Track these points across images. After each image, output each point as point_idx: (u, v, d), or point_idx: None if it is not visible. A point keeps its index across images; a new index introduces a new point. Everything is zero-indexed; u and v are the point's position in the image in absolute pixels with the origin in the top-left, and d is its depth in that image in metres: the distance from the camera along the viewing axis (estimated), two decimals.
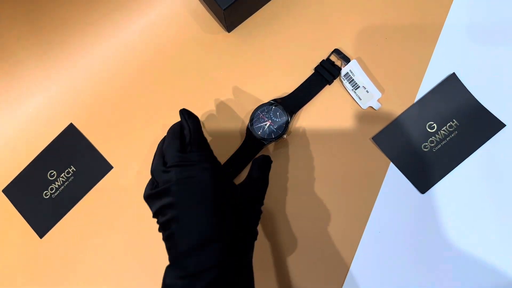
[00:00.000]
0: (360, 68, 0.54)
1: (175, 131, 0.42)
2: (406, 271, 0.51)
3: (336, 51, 0.55)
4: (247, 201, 0.43)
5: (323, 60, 0.55)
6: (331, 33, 0.58)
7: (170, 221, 0.37)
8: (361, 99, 0.54)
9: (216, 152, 0.42)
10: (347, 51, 0.57)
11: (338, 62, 0.56)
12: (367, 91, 0.54)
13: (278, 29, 0.58)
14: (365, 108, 0.54)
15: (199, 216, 0.37)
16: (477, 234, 0.51)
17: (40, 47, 0.61)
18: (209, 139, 0.56)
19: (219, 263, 0.36)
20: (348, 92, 0.55)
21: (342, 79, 0.55)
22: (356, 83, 0.54)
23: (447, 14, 0.57)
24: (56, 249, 0.56)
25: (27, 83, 0.60)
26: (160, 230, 0.39)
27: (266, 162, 0.48)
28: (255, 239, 0.42)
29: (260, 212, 0.44)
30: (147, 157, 0.57)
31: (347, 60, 0.55)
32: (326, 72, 0.55)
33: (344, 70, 0.55)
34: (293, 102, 0.55)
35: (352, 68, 0.54)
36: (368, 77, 0.54)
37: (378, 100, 0.54)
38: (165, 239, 0.38)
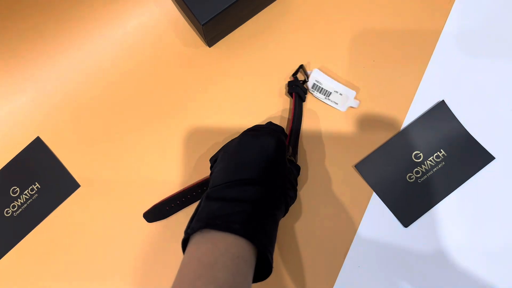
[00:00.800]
0: (324, 74, 0.52)
1: None
2: None
3: (301, 67, 0.53)
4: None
5: (295, 79, 0.53)
6: (314, 53, 0.55)
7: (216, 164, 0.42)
8: (337, 103, 0.52)
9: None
10: (331, 72, 0.54)
11: (302, 78, 0.54)
12: (340, 94, 0.51)
13: (258, 46, 0.56)
14: (344, 110, 0.52)
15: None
16: (460, 273, 0.48)
17: (7, 53, 0.57)
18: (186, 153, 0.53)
19: (255, 201, 0.36)
20: (323, 102, 0.53)
21: (312, 92, 0.52)
22: (326, 90, 0.52)
23: (438, 39, 0.54)
24: (12, 274, 0.52)
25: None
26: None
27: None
28: (291, 203, 0.42)
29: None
30: (116, 176, 0.54)
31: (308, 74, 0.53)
32: (300, 90, 0.52)
33: (310, 82, 0.52)
34: (295, 138, 0.50)
35: (316, 77, 0.52)
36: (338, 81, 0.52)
37: (356, 98, 0.52)
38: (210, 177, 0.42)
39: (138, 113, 0.55)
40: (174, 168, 0.53)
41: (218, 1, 0.50)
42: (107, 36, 0.57)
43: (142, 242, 0.52)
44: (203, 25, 0.49)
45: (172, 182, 0.53)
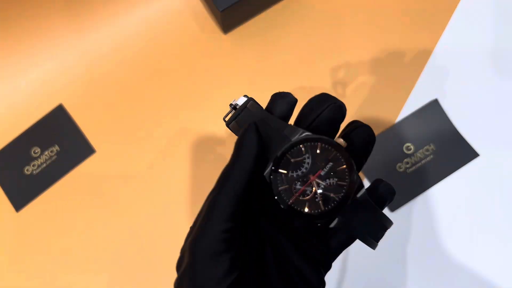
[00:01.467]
0: None
1: None
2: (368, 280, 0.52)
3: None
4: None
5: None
6: (326, 47, 0.59)
7: None
8: None
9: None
10: (340, 65, 0.58)
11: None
12: None
13: (273, 38, 0.60)
14: None
15: None
16: (440, 256, 0.52)
17: (47, 20, 0.62)
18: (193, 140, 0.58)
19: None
20: None
21: None
22: None
23: (436, 42, 0.58)
24: (30, 224, 0.57)
25: (26, 55, 0.61)
26: None
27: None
28: None
29: None
30: (130, 147, 0.58)
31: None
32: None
33: None
34: None
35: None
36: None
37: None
38: None
39: (154, 91, 0.60)
40: (189, 143, 0.58)
41: None
42: (132, 15, 0.62)
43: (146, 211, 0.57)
44: (221, 11, 0.54)
45: (187, 159, 0.57)
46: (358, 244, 0.31)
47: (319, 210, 0.24)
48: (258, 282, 0.23)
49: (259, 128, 0.25)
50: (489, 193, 0.54)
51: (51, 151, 0.59)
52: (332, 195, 0.24)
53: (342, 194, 0.24)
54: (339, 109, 0.26)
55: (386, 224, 0.26)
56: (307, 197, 0.24)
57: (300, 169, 0.24)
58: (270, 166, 0.25)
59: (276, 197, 0.24)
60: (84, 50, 0.61)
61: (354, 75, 0.58)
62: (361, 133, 0.26)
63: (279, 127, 0.25)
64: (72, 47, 0.62)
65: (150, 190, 0.57)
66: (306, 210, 0.24)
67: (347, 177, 0.24)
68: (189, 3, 0.62)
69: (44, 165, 0.59)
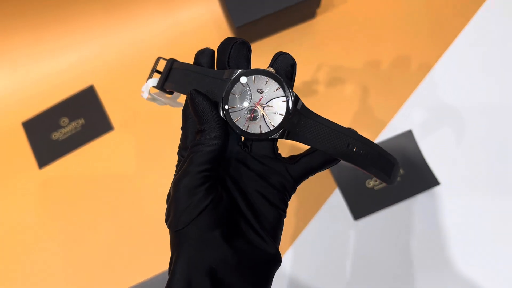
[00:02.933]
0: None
1: None
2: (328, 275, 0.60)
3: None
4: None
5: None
6: (335, 67, 0.68)
7: None
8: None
9: None
10: (335, 83, 0.67)
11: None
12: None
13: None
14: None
15: None
16: (388, 265, 0.59)
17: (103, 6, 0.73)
18: None
19: None
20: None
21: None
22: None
23: (423, 79, 0.66)
24: (49, 180, 0.67)
25: (75, 38, 0.72)
26: None
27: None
28: None
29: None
30: (145, 130, 0.68)
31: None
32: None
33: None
34: None
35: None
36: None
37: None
38: None
39: None
40: None
41: (255, 10, 0.63)
42: (162, 19, 0.72)
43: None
44: (237, 27, 0.63)
45: None
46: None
47: (271, 127, 0.29)
48: (227, 205, 0.28)
49: (198, 84, 0.30)
50: (440, 218, 0.60)
51: (77, 123, 0.69)
52: (277, 112, 0.29)
53: (285, 108, 0.29)
54: (242, 44, 0.30)
55: (330, 125, 0.29)
56: (258, 120, 0.29)
57: (245, 100, 0.29)
58: (221, 107, 0.29)
59: (233, 128, 0.29)
60: (119, 40, 0.72)
61: (343, 97, 0.66)
62: (282, 59, 0.30)
63: (217, 74, 0.30)
64: (110, 36, 0.72)
65: (157, 168, 0.66)
66: (260, 131, 0.29)
67: (283, 95, 0.29)
68: (213, 16, 0.72)
69: (69, 133, 0.69)
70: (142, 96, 0.34)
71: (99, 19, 0.73)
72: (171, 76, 0.32)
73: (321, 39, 0.70)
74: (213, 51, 0.32)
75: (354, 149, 0.29)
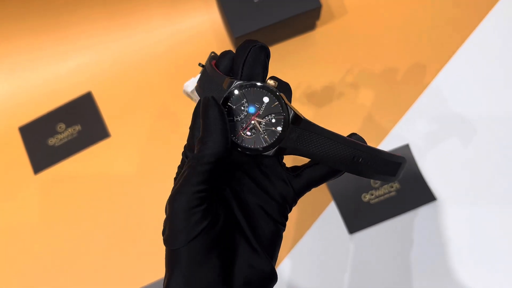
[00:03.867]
0: None
1: None
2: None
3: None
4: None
5: None
6: (334, 78, 0.68)
7: None
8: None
9: None
10: (333, 94, 0.66)
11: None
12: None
13: (285, 65, 0.69)
14: None
15: None
16: (381, 280, 0.59)
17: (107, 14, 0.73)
18: None
19: None
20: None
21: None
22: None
23: (422, 92, 0.66)
24: (44, 186, 0.67)
25: (75, 44, 0.72)
26: None
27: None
28: None
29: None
30: (142, 139, 0.68)
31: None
32: None
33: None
34: None
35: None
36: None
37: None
38: None
39: (171, 98, 0.69)
40: None
41: (255, 20, 0.63)
42: (162, 27, 0.72)
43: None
44: (236, 38, 0.63)
45: None
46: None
47: (266, 143, 0.28)
48: (224, 224, 0.27)
49: (211, 91, 0.28)
50: (436, 233, 0.60)
51: (74, 129, 0.69)
52: (274, 128, 0.28)
53: (281, 125, 0.28)
54: (261, 49, 0.28)
55: (333, 137, 0.28)
56: (254, 135, 0.28)
57: (242, 112, 0.28)
58: None
59: None
60: (118, 48, 0.72)
61: (342, 109, 0.66)
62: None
63: (220, 81, 0.28)
64: (109, 43, 0.72)
65: (154, 175, 0.66)
66: (253, 146, 0.28)
67: (281, 111, 0.28)
68: (213, 26, 0.72)
69: (66, 139, 0.69)
70: (184, 90, 0.34)
71: (99, 26, 0.73)
72: (200, 76, 0.32)
73: (321, 50, 0.70)
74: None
75: (360, 160, 0.28)
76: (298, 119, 0.28)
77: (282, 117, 0.28)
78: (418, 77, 0.67)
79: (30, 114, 0.70)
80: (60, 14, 0.72)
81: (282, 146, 0.28)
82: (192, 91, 0.36)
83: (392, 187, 0.62)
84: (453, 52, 0.68)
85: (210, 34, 0.71)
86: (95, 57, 0.72)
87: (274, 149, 0.28)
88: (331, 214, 0.62)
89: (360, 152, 0.28)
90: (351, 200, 0.62)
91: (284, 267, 0.60)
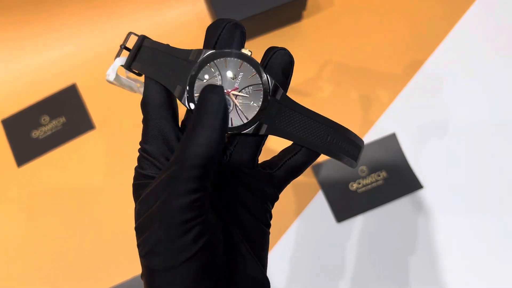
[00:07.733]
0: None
1: None
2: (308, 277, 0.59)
3: None
4: None
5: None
6: (321, 70, 0.68)
7: None
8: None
9: None
10: (321, 82, 0.66)
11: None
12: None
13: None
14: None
15: None
16: (371, 266, 0.59)
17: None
18: None
19: None
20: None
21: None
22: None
23: (408, 81, 0.66)
24: (27, 179, 0.66)
25: (52, 36, 0.71)
26: None
27: None
28: None
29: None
30: (126, 131, 0.67)
31: None
32: None
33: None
34: None
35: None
36: None
37: None
38: None
39: None
40: None
41: (240, 10, 0.63)
42: (147, 17, 0.72)
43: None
44: None
45: None
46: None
47: (245, 120, 0.24)
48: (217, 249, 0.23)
49: (162, 63, 0.25)
50: (423, 221, 0.60)
51: (58, 121, 0.68)
52: (252, 103, 0.24)
53: (261, 98, 0.24)
54: (236, 26, 0.25)
55: (313, 116, 0.25)
56: (230, 112, 0.24)
57: None
58: (185, 94, 0.24)
59: None
60: (103, 39, 0.71)
61: (328, 98, 0.66)
62: (279, 56, 0.25)
63: (184, 55, 0.25)
64: (93, 34, 0.71)
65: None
66: (231, 124, 0.24)
67: (260, 82, 0.24)
68: (198, 14, 0.71)
69: (50, 132, 0.68)
70: (107, 79, 0.28)
71: (83, 17, 0.72)
72: (140, 55, 0.27)
73: (307, 41, 0.70)
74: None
75: (334, 141, 0.26)
76: (277, 89, 0.25)
77: (261, 88, 0.24)
78: (405, 67, 0.67)
79: (14, 106, 0.69)
80: (42, 5, 0.71)
81: (261, 122, 0.25)
82: (116, 78, 0.29)
83: (379, 175, 0.62)
84: (439, 43, 0.68)
85: (196, 24, 0.71)
86: (79, 49, 0.71)
87: (254, 126, 0.25)
88: (319, 203, 0.61)
89: (334, 131, 0.26)
90: (339, 189, 0.62)
91: (272, 257, 0.60)
